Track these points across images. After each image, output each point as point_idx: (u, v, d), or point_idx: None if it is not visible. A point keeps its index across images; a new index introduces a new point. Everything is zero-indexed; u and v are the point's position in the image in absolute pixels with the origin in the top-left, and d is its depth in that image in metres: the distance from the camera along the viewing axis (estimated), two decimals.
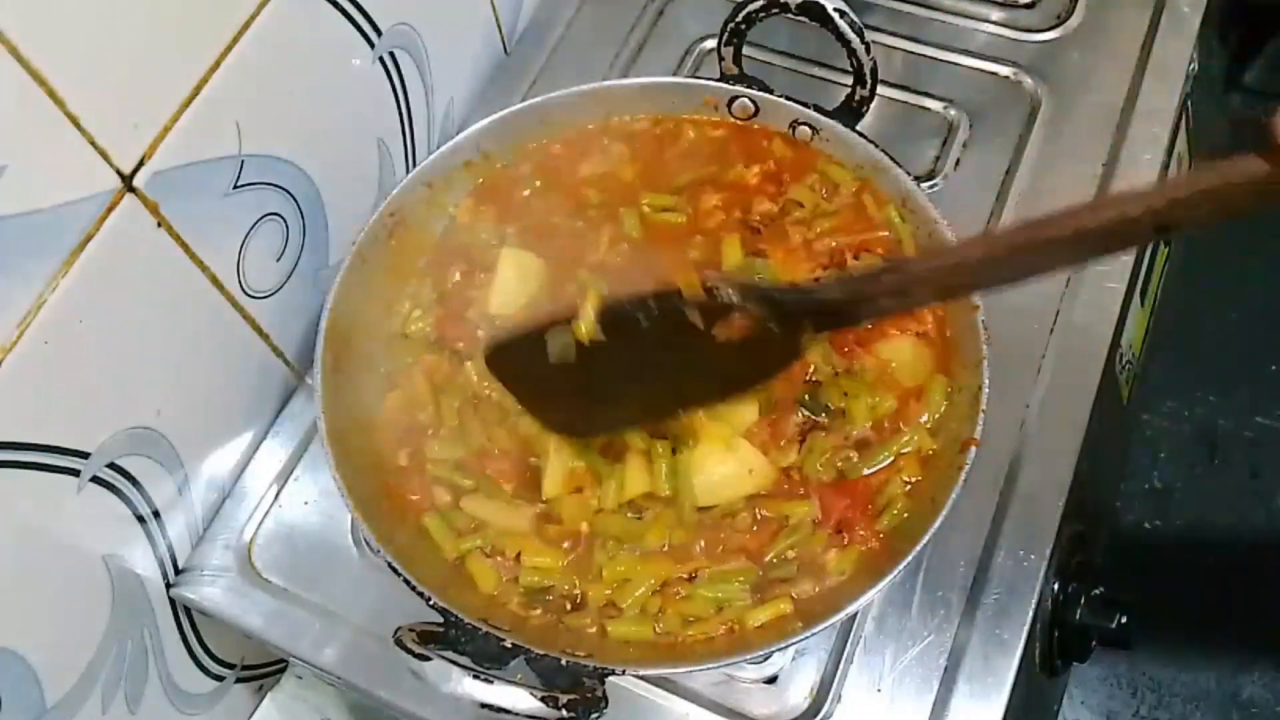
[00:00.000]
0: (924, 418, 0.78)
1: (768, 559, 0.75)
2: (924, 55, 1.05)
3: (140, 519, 0.79)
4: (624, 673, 0.69)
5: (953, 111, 1.01)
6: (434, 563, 0.76)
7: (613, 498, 0.76)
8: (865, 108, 0.85)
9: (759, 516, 0.77)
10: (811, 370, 0.80)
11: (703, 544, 0.76)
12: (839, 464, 0.78)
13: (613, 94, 0.90)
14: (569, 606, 0.75)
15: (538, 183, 0.90)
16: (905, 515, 0.75)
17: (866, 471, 0.77)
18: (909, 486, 0.76)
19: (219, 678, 0.93)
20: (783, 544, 0.75)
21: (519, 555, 0.76)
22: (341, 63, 0.86)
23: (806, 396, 0.79)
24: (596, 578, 0.75)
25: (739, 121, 0.90)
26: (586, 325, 0.68)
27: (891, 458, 0.77)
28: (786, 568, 0.75)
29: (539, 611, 0.74)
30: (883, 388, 0.80)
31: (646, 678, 0.79)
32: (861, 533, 0.75)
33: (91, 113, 0.64)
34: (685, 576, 0.75)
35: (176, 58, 0.70)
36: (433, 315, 0.85)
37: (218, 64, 0.73)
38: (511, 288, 0.84)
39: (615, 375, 0.71)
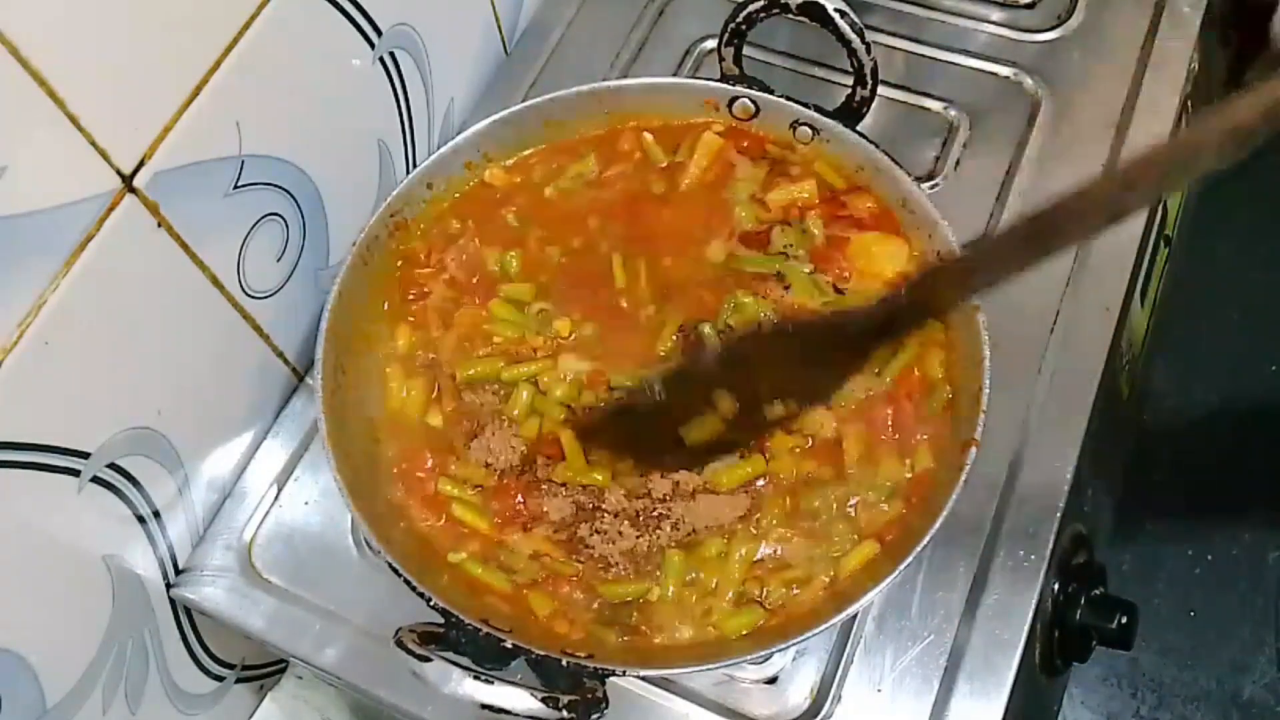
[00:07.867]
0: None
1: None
2: (924, 55, 1.05)
3: (140, 519, 0.79)
4: (624, 674, 0.69)
5: (953, 112, 1.01)
6: (436, 565, 0.76)
7: None
8: (866, 108, 0.85)
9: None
10: None
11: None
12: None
13: (613, 94, 0.90)
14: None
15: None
16: (904, 510, 0.75)
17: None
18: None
19: (219, 678, 0.93)
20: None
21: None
22: (342, 63, 0.86)
23: None
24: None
25: (739, 122, 0.90)
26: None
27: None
28: (789, 571, 0.75)
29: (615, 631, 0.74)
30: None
31: (647, 678, 0.79)
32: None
33: (91, 113, 0.64)
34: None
35: (176, 58, 0.70)
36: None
37: (218, 64, 0.73)
38: None
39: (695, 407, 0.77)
